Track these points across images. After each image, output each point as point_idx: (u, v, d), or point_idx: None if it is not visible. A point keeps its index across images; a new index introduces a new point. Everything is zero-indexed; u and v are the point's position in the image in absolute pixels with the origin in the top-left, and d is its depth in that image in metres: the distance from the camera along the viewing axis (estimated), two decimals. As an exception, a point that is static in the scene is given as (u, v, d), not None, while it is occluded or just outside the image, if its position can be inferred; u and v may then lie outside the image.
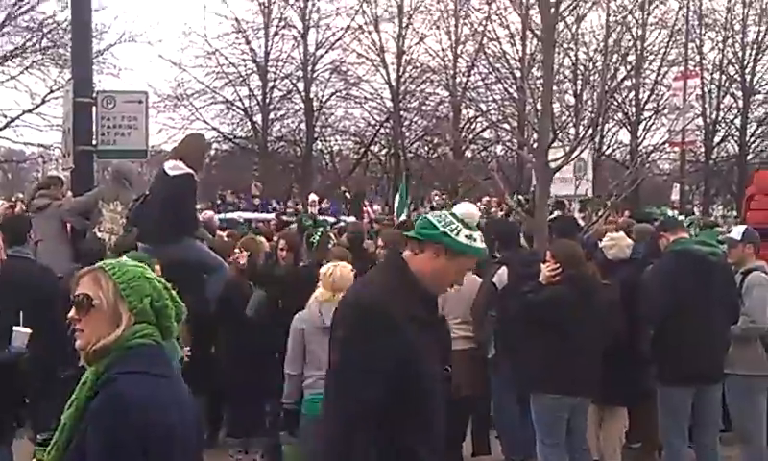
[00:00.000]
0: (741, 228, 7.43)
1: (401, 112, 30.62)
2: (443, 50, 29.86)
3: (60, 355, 5.48)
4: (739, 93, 32.28)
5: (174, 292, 2.84)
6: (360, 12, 29.31)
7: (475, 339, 7.23)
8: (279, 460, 6.80)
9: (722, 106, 32.59)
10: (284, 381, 6.18)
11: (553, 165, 9.36)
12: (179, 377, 2.95)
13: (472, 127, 29.81)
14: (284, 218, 17.41)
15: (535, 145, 9.72)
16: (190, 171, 7.43)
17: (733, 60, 32.10)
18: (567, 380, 6.24)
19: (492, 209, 18.66)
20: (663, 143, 23.95)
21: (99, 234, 8.44)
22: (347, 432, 3.18)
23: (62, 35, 24.56)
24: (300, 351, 5.96)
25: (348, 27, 29.64)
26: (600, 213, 10.58)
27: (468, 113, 29.43)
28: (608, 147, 30.90)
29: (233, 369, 7.74)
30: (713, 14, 31.39)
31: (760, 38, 31.37)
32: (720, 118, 32.71)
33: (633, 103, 30.64)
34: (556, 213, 13.42)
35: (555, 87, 11.39)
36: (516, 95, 18.59)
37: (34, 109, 26.25)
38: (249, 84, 30.50)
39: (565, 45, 21.16)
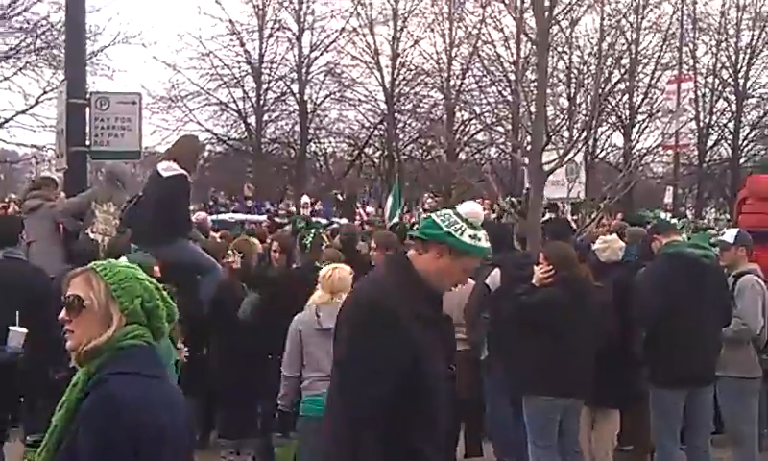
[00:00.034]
0: (734, 231, 7.46)
1: (395, 115, 30.61)
2: (437, 53, 29.91)
3: (53, 357, 5.47)
4: (733, 97, 32.37)
5: (165, 293, 2.84)
6: (355, 15, 29.32)
7: (468, 341, 7.24)
8: (271, 461, 6.80)
9: (715, 109, 32.67)
10: (276, 383, 6.18)
11: (547, 168, 9.37)
12: (170, 379, 2.95)
13: (466, 129, 29.85)
14: (277, 220, 17.40)
15: (529, 148, 9.73)
16: (184, 172, 7.42)
17: (727, 64, 32.18)
18: (560, 382, 6.25)
19: (485, 212, 18.66)
20: (657, 146, 23.96)
21: (92, 235, 8.42)
22: (352, 430, 3.19)
23: (56, 36, 24.46)
24: (297, 354, 5.96)
25: (343, 29, 29.65)
26: (593, 216, 10.59)
27: (462, 116, 29.51)
28: (601, 150, 30.91)
29: (225, 370, 7.73)
30: (707, 19, 31.46)
31: (754, 43, 31.46)
32: (713, 122, 32.78)
33: (626, 106, 30.68)
34: (549, 215, 13.45)
35: (549, 90, 11.40)
36: (510, 98, 18.67)
37: (27, 109, 26.14)
38: (243, 86, 30.50)
39: (560, 48, 21.11)
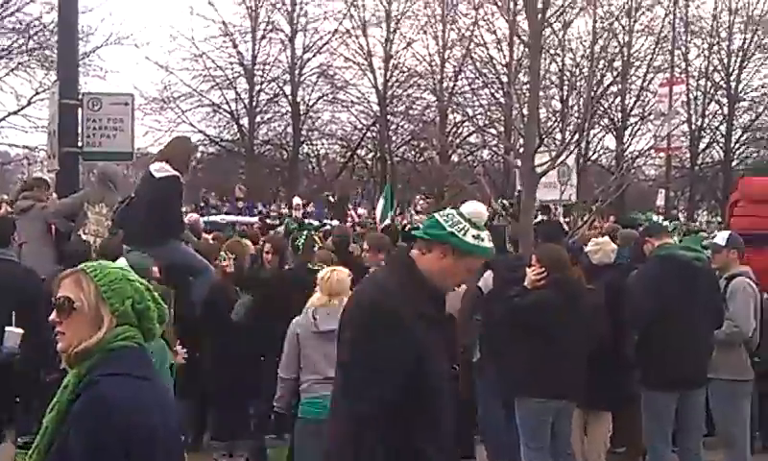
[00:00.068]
0: (725, 233, 7.47)
1: (388, 117, 30.66)
2: (430, 55, 29.99)
3: (44, 358, 5.46)
4: (724, 100, 32.51)
5: (156, 294, 2.83)
6: (348, 17, 29.42)
7: (460, 343, 7.23)
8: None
9: (707, 112, 32.82)
10: (269, 384, 6.18)
11: (539, 170, 9.38)
12: (161, 380, 2.94)
13: (459, 131, 29.88)
14: (268, 221, 17.38)
15: (521, 150, 9.74)
16: (176, 173, 7.41)
17: (719, 68, 32.32)
18: (552, 384, 6.26)
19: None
20: (649, 149, 24.12)
21: (84, 237, 8.40)
22: (355, 431, 3.18)
23: (49, 36, 24.43)
24: (294, 356, 5.97)
25: (336, 31, 29.72)
26: (585, 218, 10.61)
27: (454, 118, 29.53)
28: (594, 152, 31.02)
29: (218, 372, 7.72)
30: (699, 22, 31.59)
31: (746, 46, 31.60)
32: (705, 125, 32.92)
33: (619, 109, 30.79)
34: (541, 218, 13.47)
35: (541, 93, 11.40)
36: (502, 100, 18.69)
37: (19, 110, 26.12)
38: (236, 88, 30.54)
39: (552, 51, 21.19)
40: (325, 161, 34.35)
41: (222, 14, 29.14)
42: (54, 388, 2.74)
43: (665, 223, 14.40)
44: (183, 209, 9.88)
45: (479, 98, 27.58)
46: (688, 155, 32.47)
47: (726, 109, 32.51)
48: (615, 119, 30.84)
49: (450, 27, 27.00)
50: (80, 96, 9.73)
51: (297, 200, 19.06)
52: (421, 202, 22.60)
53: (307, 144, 32.31)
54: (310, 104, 30.96)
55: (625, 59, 28.61)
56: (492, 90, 26.68)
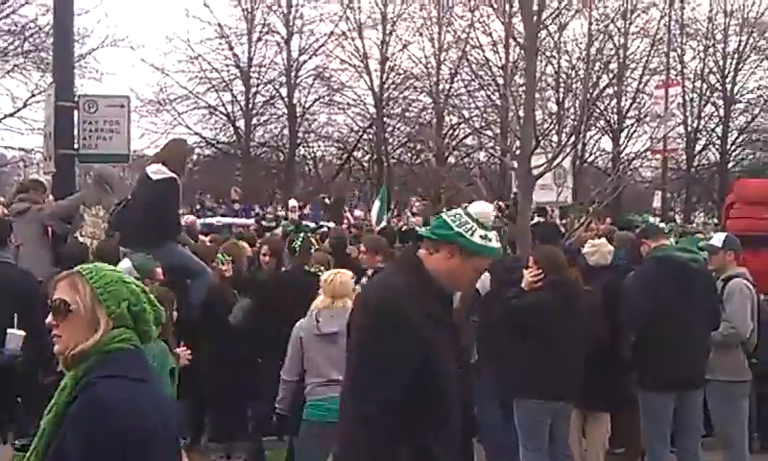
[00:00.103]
0: (722, 235, 7.49)
1: (384, 119, 30.66)
2: (426, 57, 29.97)
3: (42, 360, 5.46)
4: (720, 102, 32.55)
5: (152, 296, 2.83)
6: (344, 19, 29.38)
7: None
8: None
9: (703, 114, 32.85)
10: (267, 386, 6.19)
11: (535, 172, 9.38)
12: (158, 382, 2.93)
13: (455, 133, 29.89)
14: (264, 223, 17.35)
15: (517, 152, 9.73)
16: (173, 175, 7.41)
17: (715, 70, 32.37)
18: (550, 386, 6.26)
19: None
20: (645, 151, 24.10)
21: (80, 239, 8.39)
22: (364, 432, 3.17)
23: (44, 38, 24.41)
24: (297, 359, 5.98)
25: (332, 33, 29.68)
26: (582, 220, 10.61)
27: (450, 120, 29.53)
28: (590, 154, 31.04)
29: (216, 374, 7.71)
30: (695, 24, 31.65)
31: (741, 48, 31.65)
32: (701, 126, 32.96)
33: (615, 111, 30.81)
34: (538, 219, 13.45)
35: (537, 95, 11.40)
36: (498, 102, 18.71)
37: (15, 112, 26.08)
38: (232, 90, 30.47)
39: (548, 53, 21.21)
40: (322, 164, 34.30)
41: (218, 17, 29.12)
42: (51, 390, 2.74)
43: (662, 224, 14.41)
44: (180, 212, 9.85)
45: (475, 100, 27.58)
46: (684, 157, 32.52)
47: (722, 111, 32.55)
48: (612, 121, 30.87)
49: (446, 29, 26.96)
50: (76, 98, 9.75)
51: (293, 202, 19.04)
52: (417, 204, 22.55)
53: (304, 146, 32.29)
54: (306, 106, 30.94)
55: (621, 61, 28.68)
56: (489, 92, 26.69)
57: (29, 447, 2.69)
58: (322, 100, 31.12)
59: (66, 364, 2.68)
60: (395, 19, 30.09)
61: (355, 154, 32.77)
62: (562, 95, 24.03)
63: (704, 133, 33.20)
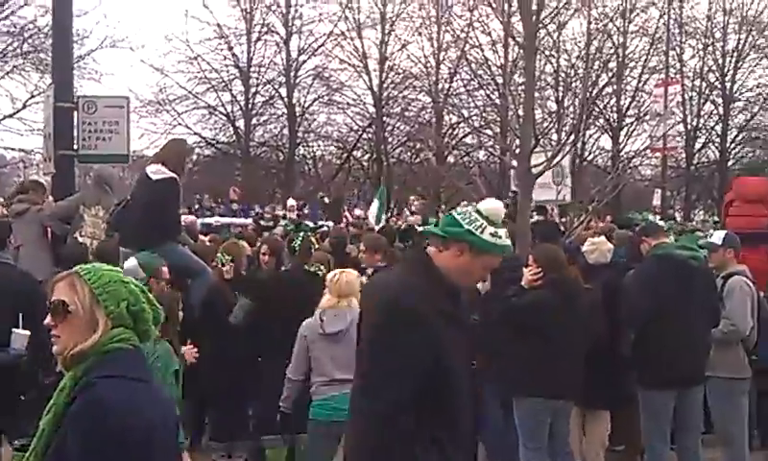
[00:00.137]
0: (722, 233, 7.49)
1: (384, 118, 30.66)
2: (425, 56, 29.98)
3: (41, 361, 5.46)
4: (719, 100, 32.55)
5: (151, 295, 2.83)
6: (343, 19, 29.39)
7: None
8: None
9: (703, 112, 32.86)
10: (267, 385, 6.20)
11: (535, 171, 9.39)
12: (157, 382, 2.93)
13: (455, 132, 29.88)
14: (262, 223, 17.34)
15: (517, 151, 9.74)
16: (173, 175, 7.40)
17: (714, 68, 32.37)
18: (550, 384, 6.26)
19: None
20: (645, 149, 24.03)
21: (80, 239, 8.39)
22: (375, 430, 3.17)
23: (43, 39, 24.42)
24: (302, 358, 5.99)
25: (331, 33, 29.69)
26: (581, 218, 10.61)
27: (450, 119, 29.49)
28: (590, 153, 31.04)
29: (216, 373, 7.69)
30: (694, 23, 31.66)
31: (740, 46, 31.65)
32: (701, 125, 32.97)
33: (614, 109, 30.81)
34: (537, 218, 13.46)
35: (537, 94, 11.42)
36: (498, 101, 18.65)
37: (14, 113, 26.08)
38: (231, 90, 30.48)
39: (547, 52, 21.26)
40: (321, 163, 34.31)
41: (217, 17, 29.15)
42: (51, 390, 2.74)
43: (661, 222, 14.41)
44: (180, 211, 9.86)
45: (475, 99, 27.50)
46: (684, 155, 32.53)
47: (721, 110, 32.56)
48: (611, 120, 30.86)
49: (445, 28, 26.87)
50: (75, 99, 9.75)
51: (291, 201, 19.04)
52: (416, 202, 22.54)
53: (303, 146, 32.30)
54: (306, 106, 30.96)
55: (620, 59, 28.68)
56: (488, 92, 26.61)
57: (28, 447, 2.69)
58: (321, 100, 31.15)
59: (65, 364, 2.68)
60: (393, 19, 30.13)
61: (355, 153, 32.78)
62: (561, 94, 23.99)
63: (703, 131, 33.22)
